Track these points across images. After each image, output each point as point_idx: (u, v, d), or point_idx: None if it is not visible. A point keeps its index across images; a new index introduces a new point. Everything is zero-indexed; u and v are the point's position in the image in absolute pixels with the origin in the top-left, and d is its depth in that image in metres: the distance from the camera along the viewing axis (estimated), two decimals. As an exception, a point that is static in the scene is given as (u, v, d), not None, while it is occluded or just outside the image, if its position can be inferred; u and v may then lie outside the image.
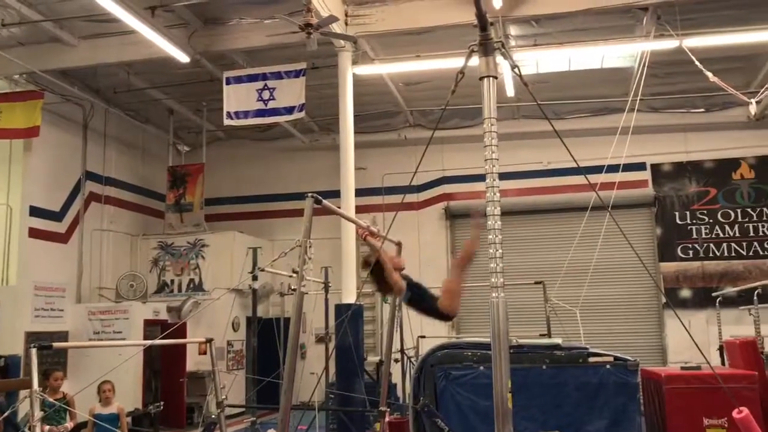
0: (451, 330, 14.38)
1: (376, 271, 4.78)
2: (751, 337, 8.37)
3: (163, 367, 12.16)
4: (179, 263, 13.68)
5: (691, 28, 10.40)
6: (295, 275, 4.46)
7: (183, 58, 10.67)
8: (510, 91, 12.28)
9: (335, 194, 10.25)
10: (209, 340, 7.27)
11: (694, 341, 4.23)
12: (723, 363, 9.87)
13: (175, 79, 12.61)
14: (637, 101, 11.01)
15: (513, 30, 11.06)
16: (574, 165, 4.51)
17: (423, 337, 11.52)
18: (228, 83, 10.97)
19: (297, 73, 10.61)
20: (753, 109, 11.80)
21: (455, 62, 10.46)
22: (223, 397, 6.87)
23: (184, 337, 11.38)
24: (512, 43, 11.24)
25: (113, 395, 7.81)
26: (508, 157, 14.66)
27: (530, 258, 13.72)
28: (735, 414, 3.47)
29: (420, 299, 4.76)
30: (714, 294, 11.47)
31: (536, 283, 10.95)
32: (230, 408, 9.70)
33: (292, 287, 5.99)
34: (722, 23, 10.58)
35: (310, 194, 4.63)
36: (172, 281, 13.69)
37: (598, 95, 13.45)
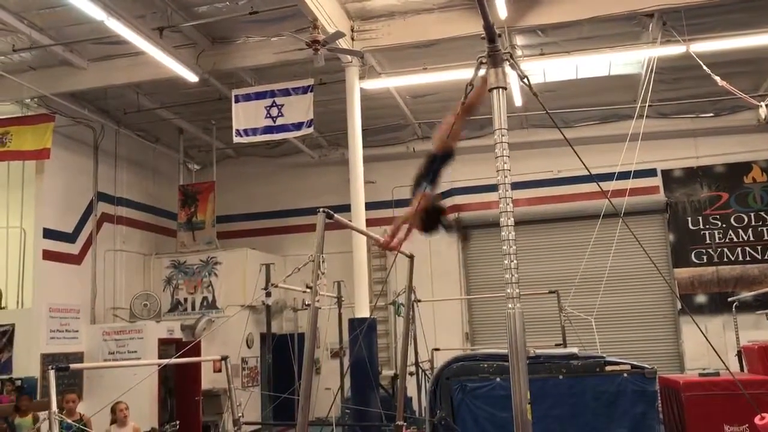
0: (466, 341, 14.33)
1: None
2: (770, 342, 8.28)
3: (178, 385, 12.16)
4: (192, 281, 13.71)
5: (697, 33, 10.39)
6: (308, 290, 4.45)
7: (192, 77, 10.76)
8: (518, 101, 12.28)
9: (345, 208, 10.27)
10: (224, 358, 7.30)
11: (712, 347, 4.18)
12: (742, 369, 9.76)
13: (184, 99, 12.71)
14: (646, 107, 10.99)
15: (519, 40, 11.07)
16: (584, 173, 4.50)
17: (437, 349, 11.48)
18: (237, 101, 11.04)
19: (305, 90, 10.66)
20: (763, 112, 11.75)
21: (462, 74, 10.48)
22: (240, 414, 6.87)
23: (199, 355, 11.36)
24: (519, 53, 11.24)
25: (129, 415, 7.83)
26: (518, 167, 14.60)
27: (543, 267, 13.66)
28: (757, 420, 3.44)
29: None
30: (730, 299, 11.36)
31: (550, 292, 10.88)
32: (246, 425, 9.69)
33: (306, 302, 6.00)
34: (729, 27, 10.55)
35: (321, 209, 4.65)
36: (186, 300, 13.72)
37: (607, 102, 13.44)
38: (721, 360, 4.35)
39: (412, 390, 11.22)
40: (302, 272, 4.89)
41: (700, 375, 7.61)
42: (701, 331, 4.51)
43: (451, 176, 14.83)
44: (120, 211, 13.75)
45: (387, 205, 14.70)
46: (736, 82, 10.78)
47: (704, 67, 10.12)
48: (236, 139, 11.08)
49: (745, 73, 12.14)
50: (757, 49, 11.14)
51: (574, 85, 12.69)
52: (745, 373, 8.93)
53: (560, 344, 10.51)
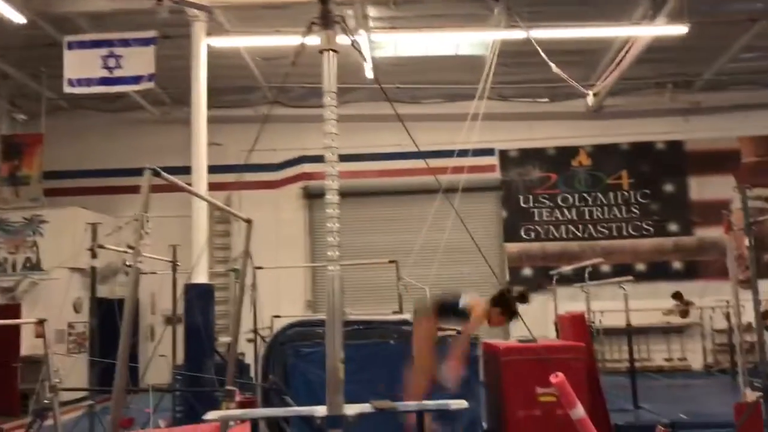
0: (308, 309, 14.42)
1: None
2: (580, 312, 9.03)
3: (-6, 352, 11.27)
4: (14, 240, 12.67)
5: (538, 21, 10.98)
6: (131, 251, 4.26)
7: (18, 18, 9.83)
8: (369, 74, 12.39)
9: (189, 170, 9.94)
10: (41, 321, 6.83)
11: (522, 320, 4.51)
12: (558, 336, 10.59)
13: (10, 42, 11.53)
14: (487, 89, 11.49)
15: (372, 11, 11.13)
16: (429, 148, 4.68)
17: (278, 316, 11.46)
18: (70, 48, 10.27)
19: (146, 42, 10.11)
20: (590, 100, 12.71)
21: (316, 39, 10.39)
22: (57, 380, 6.49)
23: (19, 318, 10.60)
24: (371, 24, 11.32)
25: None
26: (368, 139, 14.87)
27: (386, 238, 13.97)
28: (552, 378, 3.75)
29: None
30: (551, 272, 12.28)
31: (390, 262, 11.17)
32: (70, 394, 9.18)
33: (128, 263, 5.75)
34: (566, 18, 11.24)
35: (148, 167, 4.48)
36: (6, 260, 12.68)
37: (453, 81, 13.88)
38: (527, 328, 4.70)
39: (251, 357, 11.16)
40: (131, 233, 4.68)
41: (519, 341, 8.15)
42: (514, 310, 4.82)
43: (302, 143, 14.79)
44: (-70, 161, 12.39)
45: (234, 169, 14.34)
46: (569, 70, 11.55)
47: (542, 54, 10.75)
48: (67, 89, 10.33)
49: (578, 63, 13.02)
50: (589, 40, 12.00)
51: (424, 62, 13.01)
52: (558, 340, 9.69)
53: (398, 312, 10.85)
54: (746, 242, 6.42)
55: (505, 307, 5.31)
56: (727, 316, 13.03)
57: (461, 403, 4.01)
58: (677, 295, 14.10)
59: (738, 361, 8.49)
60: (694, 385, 12.29)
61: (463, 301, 5.30)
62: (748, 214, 6.36)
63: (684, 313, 14.23)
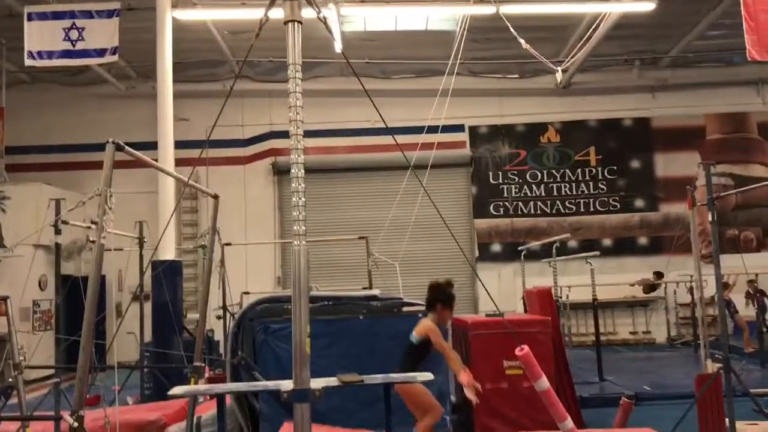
0: (278, 285, 14.39)
1: None
2: (547, 287, 9.13)
3: (-44, 331, 11.04)
4: (-25, 217, 12.40)
5: (508, -5, 10.97)
6: (94, 226, 4.18)
7: (-26, -13, 9.52)
8: (338, 47, 12.26)
9: (156, 145, 9.77)
10: (4, 298, 6.70)
11: (488, 293, 4.54)
12: (525, 311, 10.73)
13: (-33, 12, 11.22)
14: (457, 64, 11.46)
15: (341, -15, 10.99)
16: (399, 124, 4.66)
17: (247, 293, 11.42)
18: (30, 19, 9.99)
19: (110, 13, 9.85)
20: (559, 77, 12.74)
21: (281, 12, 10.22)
22: (21, 358, 6.38)
23: (-19, 297, 10.37)
24: (340, -3, 11.17)
25: None
26: (338, 114, 14.77)
27: (356, 214, 13.99)
28: (517, 352, 3.79)
29: None
30: (519, 248, 12.40)
31: (360, 238, 11.18)
32: (35, 372, 9.05)
33: (91, 239, 5.65)
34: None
35: (110, 141, 4.38)
36: (-33, 237, 12.40)
37: (423, 57, 13.83)
38: (494, 302, 4.74)
39: (220, 333, 11.11)
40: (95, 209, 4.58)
41: (486, 315, 8.23)
42: (478, 278, 4.89)
43: (270, 119, 14.64)
44: None
45: (202, 145, 14.16)
46: (539, 47, 11.53)
47: (511, 29, 10.71)
48: (29, 62, 10.05)
49: (548, 39, 13.04)
50: (558, 17, 12.03)
51: (394, 37, 12.92)
52: (526, 314, 9.82)
53: (367, 287, 10.88)
54: (709, 217, 6.52)
55: (442, 298, 5.55)
56: (691, 291, 13.33)
57: (427, 376, 4.05)
58: (658, 274, 14.37)
59: (700, 334, 8.68)
60: (658, 357, 12.59)
61: (415, 337, 5.51)
62: (711, 190, 6.45)
63: (649, 289, 14.52)
